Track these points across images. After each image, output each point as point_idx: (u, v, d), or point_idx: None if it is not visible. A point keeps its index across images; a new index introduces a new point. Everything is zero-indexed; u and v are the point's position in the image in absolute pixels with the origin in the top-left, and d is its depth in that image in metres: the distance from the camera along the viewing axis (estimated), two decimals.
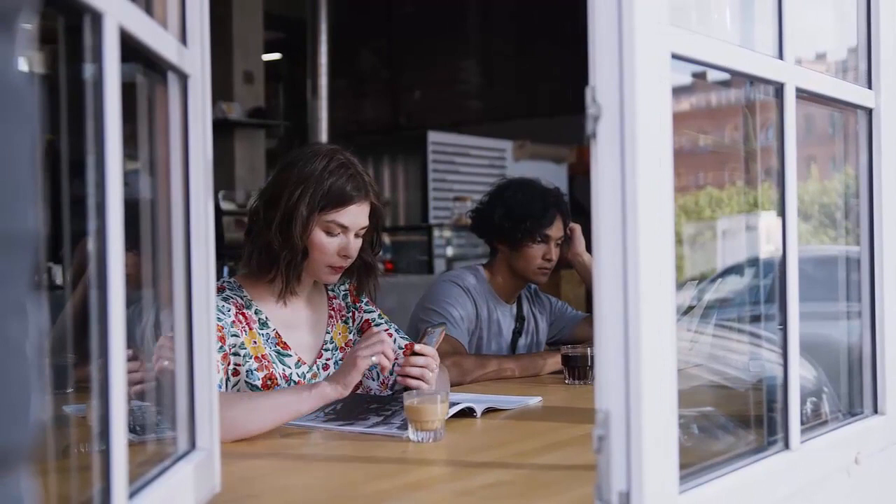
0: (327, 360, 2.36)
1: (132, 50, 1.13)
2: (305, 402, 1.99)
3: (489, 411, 2.21)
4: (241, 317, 2.20)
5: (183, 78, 1.36)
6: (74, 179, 1.06)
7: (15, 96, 0.57)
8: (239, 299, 2.24)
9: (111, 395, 1.02)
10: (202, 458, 1.38)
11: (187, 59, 1.36)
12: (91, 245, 1.03)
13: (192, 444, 1.39)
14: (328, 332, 2.38)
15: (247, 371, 2.18)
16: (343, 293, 2.46)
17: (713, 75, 1.58)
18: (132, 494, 1.11)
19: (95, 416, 1.06)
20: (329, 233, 2.22)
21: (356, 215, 2.24)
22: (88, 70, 1.03)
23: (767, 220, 1.91)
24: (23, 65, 0.59)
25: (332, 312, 2.42)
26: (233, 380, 2.16)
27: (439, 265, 7.50)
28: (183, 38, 1.37)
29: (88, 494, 1.06)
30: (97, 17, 1.01)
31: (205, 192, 1.40)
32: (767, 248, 1.95)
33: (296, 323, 2.33)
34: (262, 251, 2.24)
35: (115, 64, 1.03)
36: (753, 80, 1.58)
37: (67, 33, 1.06)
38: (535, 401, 2.39)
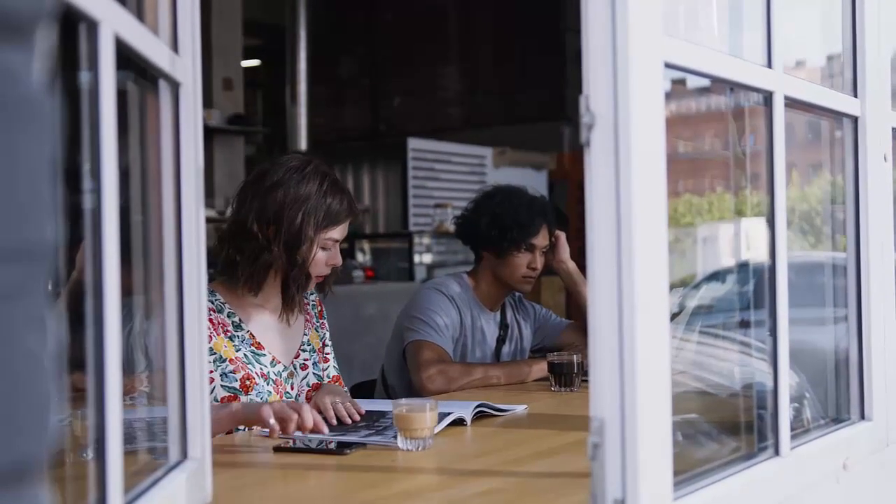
0: (305, 360, 2.43)
1: (124, 57, 1.12)
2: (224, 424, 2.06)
3: (479, 416, 2.21)
4: (209, 322, 2.22)
5: (175, 86, 1.36)
6: (68, 187, 1.05)
7: (33, 107, 0.57)
8: (209, 304, 2.25)
9: (107, 405, 1.01)
10: (194, 468, 1.37)
11: (179, 67, 1.36)
12: (87, 253, 1.02)
13: (184, 455, 1.38)
14: (305, 334, 2.46)
15: (222, 374, 2.23)
16: (312, 303, 2.54)
17: (692, 82, 1.58)
18: None
19: (89, 426, 1.05)
20: (324, 248, 2.33)
21: (346, 228, 2.37)
22: (83, 77, 1.02)
23: (748, 227, 1.92)
24: (40, 75, 0.59)
25: (308, 316, 2.49)
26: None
27: (420, 272, 7.49)
28: (175, 47, 1.36)
29: None
30: (93, 26, 1.00)
31: (196, 200, 1.39)
32: (749, 255, 1.96)
33: (272, 325, 2.38)
34: (263, 269, 2.29)
35: (111, 72, 1.03)
36: (743, 88, 1.59)
37: (60, 41, 1.05)
38: (521, 409, 2.39)
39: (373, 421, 2.16)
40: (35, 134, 0.57)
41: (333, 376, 2.49)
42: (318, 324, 2.52)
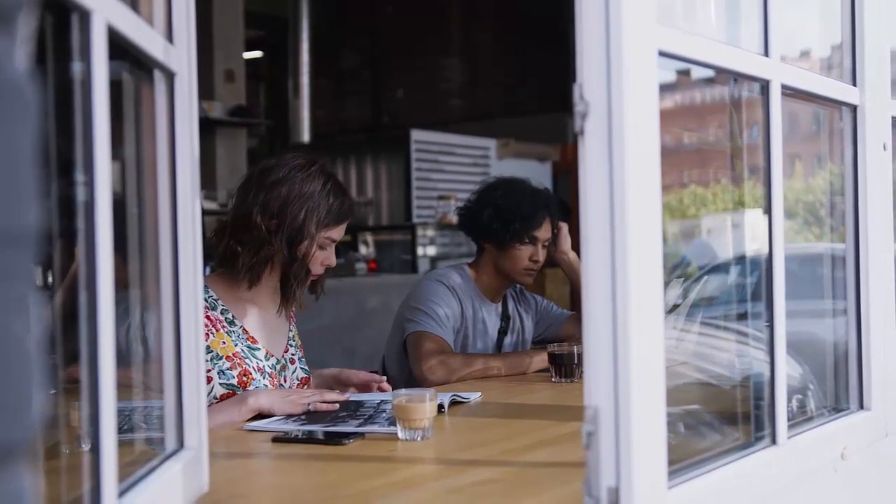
0: (292, 355, 2.49)
1: (118, 48, 1.12)
2: (239, 416, 2.12)
3: (454, 404, 2.26)
4: (205, 320, 2.24)
5: (170, 76, 1.36)
6: (61, 179, 1.06)
7: (16, 94, 0.57)
8: (202, 295, 2.27)
9: (101, 395, 1.02)
10: (190, 457, 1.38)
11: (174, 56, 1.36)
12: (79, 245, 1.03)
13: (181, 444, 1.38)
14: (291, 330, 2.51)
15: (219, 372, 2.26)
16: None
17: (697, 73, 1.58)
18: (121, 493, 1.11)
19: (83, 417, 1.05)
20: (321, 247, 2.36)
21: (343, 230, 2.42)
22: (76, 68, 1.02)
23: (752, 218, 1.92)
24: (22, 62, 0.59)
25: (292, 315, 2.54)
26: (206, 388, 2.21)
27: (423, 264, 7.50)
28: (169, 36, 1.36)
29: (77, 494, 1.06)
30: (85, 15, 1.00)
31: (192, 192, 1.39)
32: (752, 246, 1.96)
33: (262, 321, 2.41)
34: (263, 262, 2.32)
35: (104, 62, 1.03)
36: (739, 76, 1.58)
37: (54, 30, 1.05)
38: (475, 396, 2.42)
39: (353, 411, 2.16)
40: (17, 120, 0.58)
41: (302, 377, 2.51)
42: (296, 322, 2.58)
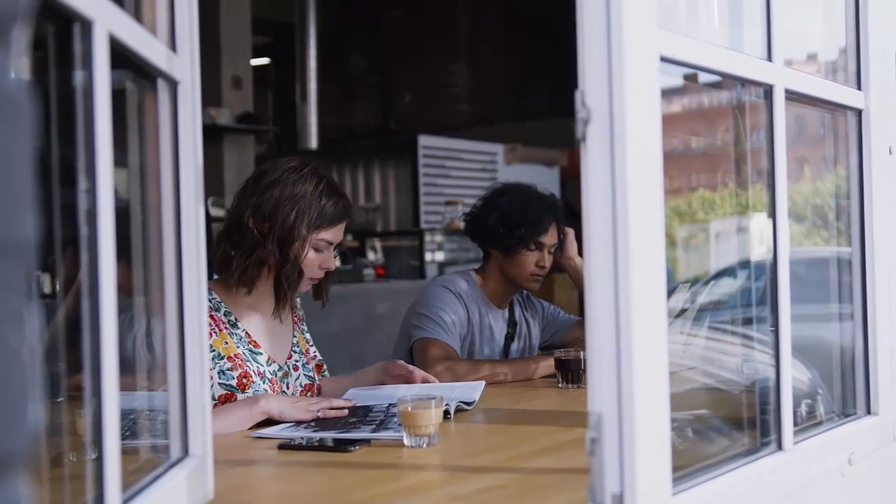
0: (296, 361, 2.48)
1: (121, 56, 1.13)
2: (247, 422, 2.11)
3: (459, 411, 2.26)
4: (209, 319, 2.24)
5: (173, 84, 1.36)
6: (63, 187, 1.06)
7: (11, 105, 0.57)
8: (206, 303, 2.28)
9: (104, 403, 1.02)
10: (195, 465, 1.38)
11: (177, 65, 1.36)
12: (83, 253, 1.03)
13: (185, 451, 1.39)
14: (294, 337, 2.51)
15: (219, 372, 2.26)
16: (297, 307, 2.60)
17: (704, 77, 1.58)
18: (125, 501, 1.11)
19: (87, 425, 1.05)
20: (317, 249, 2.36)
21: (341, 232, 2.40)
22: (78, 77, 1.03)
23: (760, 222, 1.92)
24: (18, 72, 0.59)
25: (296, 320, 2.54)
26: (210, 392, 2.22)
27: (431, 270, 7.49)
28: (172, 45, 1.36)
29: (82, 502, 1.06)
30: (87, 25, 1.00)
31: (195, 200, 1.40)
32: (760, 250, 1.96)
33: (265, 327, 2.42)
34: (256, 265, 2.32)
35: (106, 71, 1.03)
36: (742, 81, 1.58)
37: (56, 40, 1.06)
38: (479, 386, 2.45)
39: (363, 416, 2.16)
40: (13, 131, 0.58)
41: (306, 384, 2.51)
42: (303, 327, 2.58)
